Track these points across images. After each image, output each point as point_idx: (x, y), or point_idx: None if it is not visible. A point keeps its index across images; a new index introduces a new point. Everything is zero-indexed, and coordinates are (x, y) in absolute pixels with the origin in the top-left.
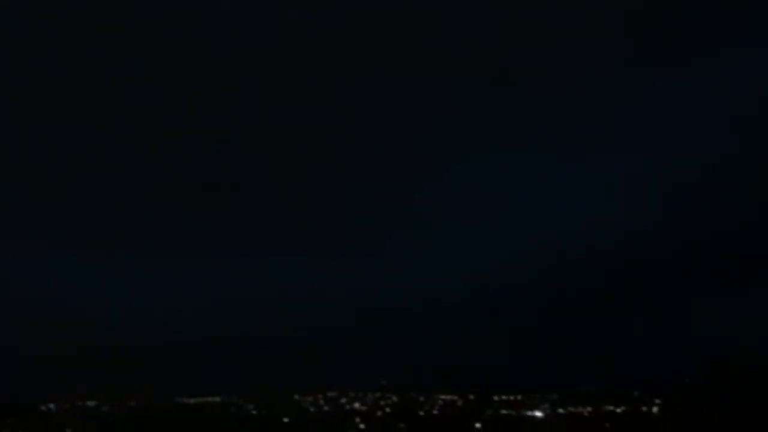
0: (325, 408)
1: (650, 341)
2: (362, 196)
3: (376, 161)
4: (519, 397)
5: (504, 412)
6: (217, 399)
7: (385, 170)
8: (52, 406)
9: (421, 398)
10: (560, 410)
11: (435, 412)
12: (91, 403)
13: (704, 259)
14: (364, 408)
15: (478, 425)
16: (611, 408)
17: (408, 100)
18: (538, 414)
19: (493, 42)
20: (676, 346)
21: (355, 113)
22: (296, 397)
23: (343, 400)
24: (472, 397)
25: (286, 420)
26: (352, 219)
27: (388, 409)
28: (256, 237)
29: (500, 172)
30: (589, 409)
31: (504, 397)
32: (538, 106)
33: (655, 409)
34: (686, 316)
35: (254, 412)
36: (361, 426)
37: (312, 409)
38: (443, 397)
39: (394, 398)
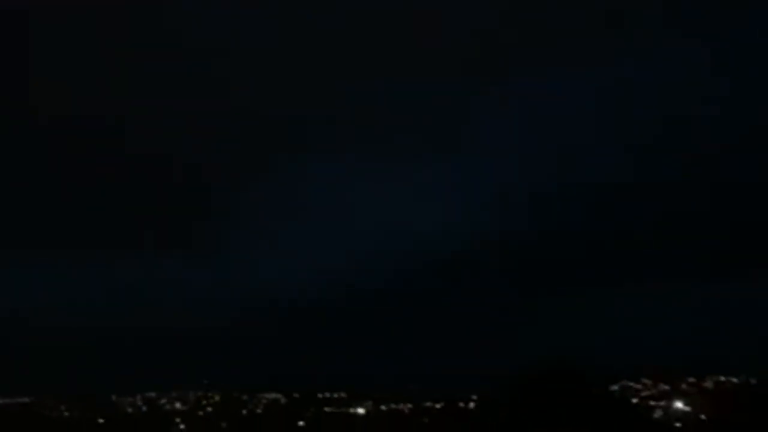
0: (144, 409)
1: (473, 342)
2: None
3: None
4: (343, 395)
5: (327, 409)
6: (26, 399)
7: (219, 169)
8: None
9: (245, 397)
10: (382, 407)
11: (259, 410)
12: None
13: (534, 263)
14: (185, 408)
15: (301, 423)
16: (430, 404)
17: None
18: (361, 411)
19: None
20: (497, 346)
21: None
22: (113, 397)
23: (163, 401)
24: (296, 395)
25: (101, 421)
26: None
27: (210, 409)
28: (86, 237)
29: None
30: (410, 405)
31: (328, 395)
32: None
33: (471, 405)
34: (509, 319)
35: (66, 413)
36: (182, 426)
37: (130, 410)
38: (267, 395)
39: (217, 398)
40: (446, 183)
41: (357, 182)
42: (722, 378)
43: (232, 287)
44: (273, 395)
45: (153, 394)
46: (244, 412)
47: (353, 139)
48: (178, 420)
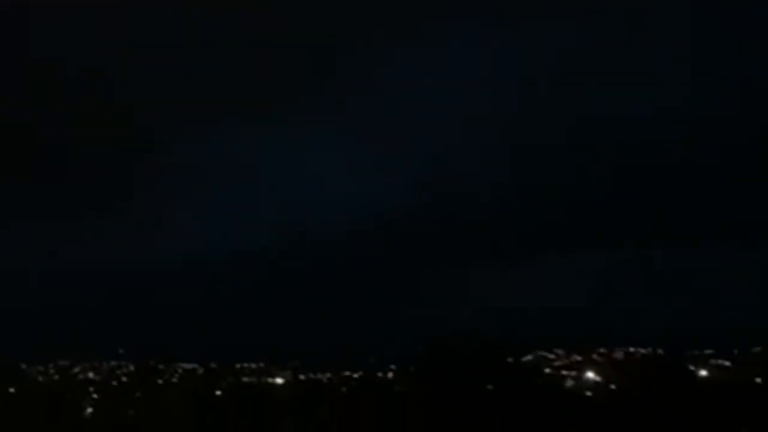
0: (56, 377)
1: (388, 313)
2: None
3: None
4: (261, 365)
5: (245, 379)
6: None
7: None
8: None
9: (161, 367)
10: (301, 377)
11: (174, 380)
12: None
13: (436, 241)
14: (98, 377)
15: (218, 393)
16: (349, 374)
17: None
18: (279, 381)
19: None
20: (413, 317)
21: None
22: (23, 366)
23: (76, 369)
24: (213, 365)
25: (11, 390)
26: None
27: (124, 378)
28: None
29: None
30: (329, 375)
31: (246, 365)
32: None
33: (390, 375)
34: (424, 290)
35: None
36: (95, 396)
37: (41, 379)
38: (184, 365)
39: (132, 367)
40: (360, 153)
41: (274, 149)
42: (632, 349)
43: (150, 254)
44: (189, 365)
45: (65, 363)
46: (160, 381)
47: (272, 104)
48: (91, 389)
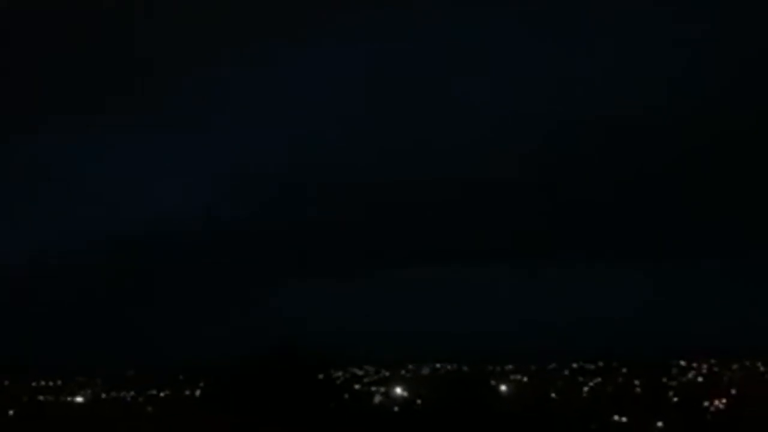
0: None
1: (201, 327)
2: None
3: None
4: (59, 383)
5: (41, 398)
6: None
7: None
8: None
9: None
10: (102, 395)
11: None
12: None
13: (273, 250)
14: None
15: (11, 413)
16: (155, 392)
17: None
18: (79, 399)
19: None
20: (226, 332)
21: None
22: None
23: None
24: (6, 383)
25: None
26: None
27: None
28: None
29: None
30: (133, 393)
31: (42, 383)
32: None
33: (198, 392)
34: (241, 303)
35: None
36: None
37: None
38: None
39: None
40: (189, 160)
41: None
42: (438, 365)
43: None
44: None
45: None
46: None
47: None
48: None
